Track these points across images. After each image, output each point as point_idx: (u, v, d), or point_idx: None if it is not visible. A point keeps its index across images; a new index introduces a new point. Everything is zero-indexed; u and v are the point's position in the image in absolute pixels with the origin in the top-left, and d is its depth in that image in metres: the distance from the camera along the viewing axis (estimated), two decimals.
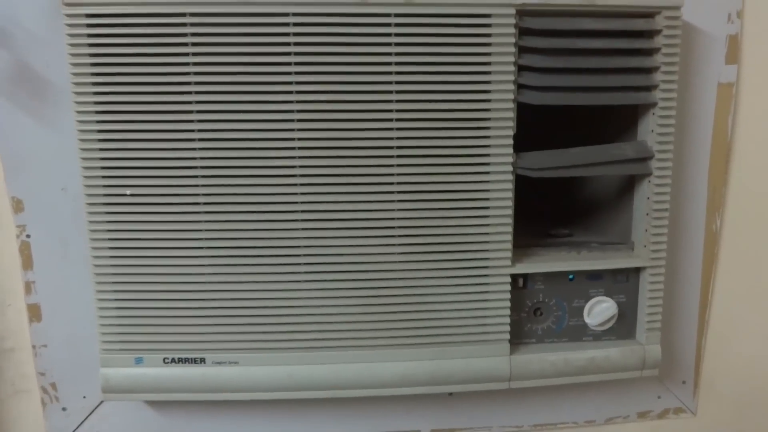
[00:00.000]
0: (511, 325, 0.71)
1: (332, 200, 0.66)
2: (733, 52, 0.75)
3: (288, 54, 0.63)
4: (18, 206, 0.71)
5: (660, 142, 0.69)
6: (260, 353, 0.68)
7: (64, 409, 0.76)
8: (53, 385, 0.75)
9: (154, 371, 0.68)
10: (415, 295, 0.69)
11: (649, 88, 0.69)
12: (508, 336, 0.71)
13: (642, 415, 0.86)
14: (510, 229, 0.68)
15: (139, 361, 0.68)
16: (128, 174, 0.64)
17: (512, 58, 0.65)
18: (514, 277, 0.71)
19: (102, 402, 0.76)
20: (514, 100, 0.66)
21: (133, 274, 0.66)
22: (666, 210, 0.71)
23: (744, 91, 0.76)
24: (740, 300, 0.82)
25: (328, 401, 0.79)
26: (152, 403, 0.77)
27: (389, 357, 0.70)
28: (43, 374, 0.75)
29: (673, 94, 0.69)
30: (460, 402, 0.82)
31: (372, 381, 0.70)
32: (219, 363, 0.68)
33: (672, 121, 0.69)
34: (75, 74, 0.62)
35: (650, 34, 0.68)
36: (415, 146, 0.65)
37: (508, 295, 0.70)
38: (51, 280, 0.73)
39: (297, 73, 0.63)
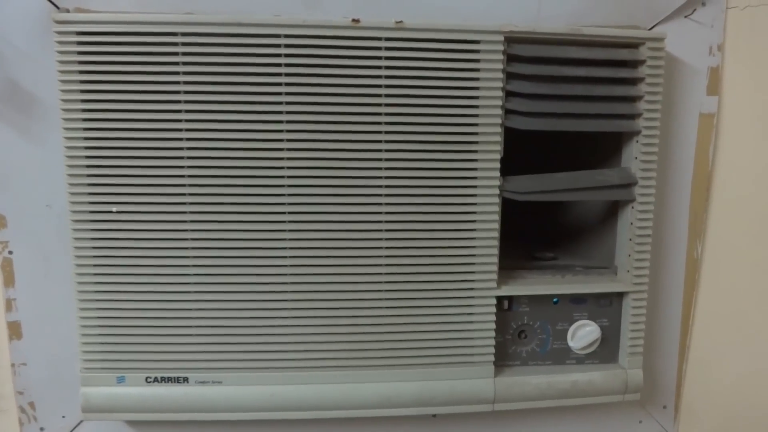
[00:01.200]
0: (495, 347, 0.71)
1: (319, 220, 0.66)
2: (714, 83, 0.77)
3: (279, 75, 0.63)
4: (1, 222, 0.70)
5: (643, 169, 0.71)
6: (244, 373, 0.68)
7: (42, 429, 0.75)
8: (31, 405, 0.74)
9: (136, 390, 0.68)
10: (400, 315, 0.69)
11: (633, 116, 0.70)
12: (492, 358, 0.71)
13: None
14: (496, 251, 0.69)
15: (120, 380, 0.67)
16: (115, 191, 0.64)
17: (500, 84, 0.66)
18: (500, 299, 0.71)
19: (81, 422, 0.75)
20: (501, 125, 0.67)
21: (117, 291, 0.66)
22: (649, 236, 0.72)
23: (725, 122, 0.78)
24: (721, 326, 0.83)
25: (312, 422, 0.77)
26: (132, 423, 0.76)
27: (373, 378, 0.70)
28: (21, 393, 0.74)
29: (657, 123, 0.70)
30: (444, 424, 0.81)
31: (356, 402, 0.70)
32: (202, 382, 0.68)
33: (655, 149, 0.70)
34: (64, 91, 0.62)
35: (634, 64, 0.70)
36: (403, 167, 0.66)
37: (494, 317, 0.70)
38: (33, 297, 0.72)
39: (287, 94, 0.64)
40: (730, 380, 0.84)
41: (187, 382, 0.68)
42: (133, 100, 0.63)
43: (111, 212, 0.64)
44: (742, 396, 0.83)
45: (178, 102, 0.63)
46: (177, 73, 0.63)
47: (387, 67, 0.64)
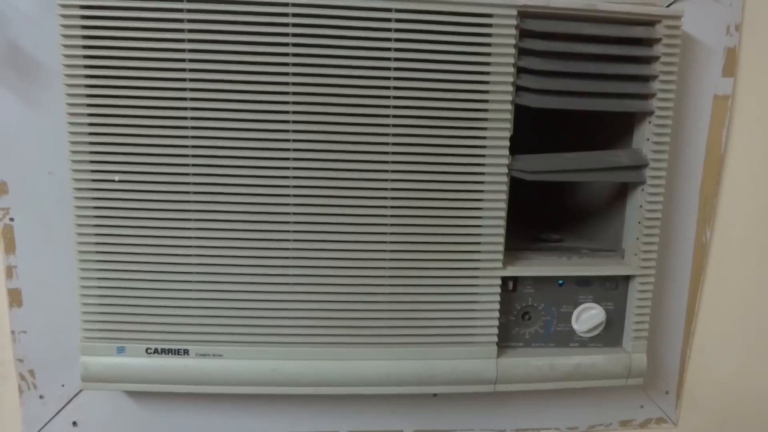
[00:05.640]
0: (499, 328, 0.71)
1: (325, 194, 0.65)
2: (731, 64, 0.75)
3: (286, 44, 0.62)
4: (2, 188, 0.69)
5: (655, 151, 0.69)
6: (245, 347, 0.67)
7: (41, 396, 0.75)
8: (31, 372, 0.74)
9: (136, 361, 0.67)
10: (404, 294, 0.68)
11: (646, 96, 0.69)
12: (495, 339, 0.71)
13: (624, 424, 0.86)
14: (502, 231, 0.68)
15: (120, 351, 0.67)
16: (117, 160, 0.63)
17: (512, 60, 0.64)
18: (505, 280, 0.70)
19: (81, 391, 0.75)
20: (512, 102, 0.65)
21: (118, 261, 0.65)
22: (658, 219, 0.71)
23: (739, 105, 0.76)
24: (726, 313, 0.82)
25: (312, 398, 0.78)
26: (132, 394, 0.76)
27: (375, 355, 0.69)
28: (21, 360, 0.73)
29: (670, 104, 0.68)
30: (445, 403, 0.81)
31: (356, 379, 0.70)
32: (203, 355, 0.67)
33: (668, 131, 0.69)
34: (66, 56, 0.61)
35: (650, 42, 0.68)
36: (411, 143, 0.65)
37: (498, 298, 0.70)
38: (33, 265, 0.71)
39: (294, 64, 0.62)
40: (734, 367, 0.83)
41: (188, 354, 0.67)
42: (138, 68, 0.61)
43: (113, 181, 0.63)
44: (745, 383, 0.83)
45: (183, 71, 0.62)
46: (182, 40, 0.61)
47: (396, 40, 0.63)
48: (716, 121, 0.76)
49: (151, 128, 0.63)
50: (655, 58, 0.68)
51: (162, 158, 0.63)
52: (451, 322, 0.70)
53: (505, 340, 0.73)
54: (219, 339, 0.67)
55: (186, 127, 0.63)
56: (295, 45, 0.62)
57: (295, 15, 0.61)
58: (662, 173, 0.70)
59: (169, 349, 0.67)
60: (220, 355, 0.67)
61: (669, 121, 0.69)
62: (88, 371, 0.67)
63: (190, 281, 0.66)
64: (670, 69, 0.68)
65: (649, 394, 0.85)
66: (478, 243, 0.68)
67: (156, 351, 0.67)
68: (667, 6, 0.72)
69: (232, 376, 0.68)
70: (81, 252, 0.65)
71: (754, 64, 0.75)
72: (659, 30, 0.67)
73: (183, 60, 0.62)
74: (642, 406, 0.86)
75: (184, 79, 0.62)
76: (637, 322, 0.73)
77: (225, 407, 0.78)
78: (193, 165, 0.63)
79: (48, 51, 0.67)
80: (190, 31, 0.61)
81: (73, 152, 0.63)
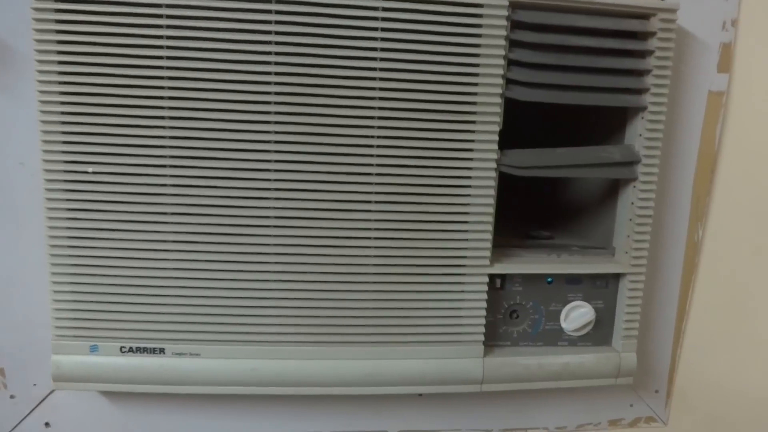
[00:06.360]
0: (486, 326, 0.69)
1: (307, 188, 0.63)
2: (726, 60, 0.74)
3: (269, 32, 0.60)
4: None
5: (647, 147, 0.68)
6: (223, 345, 0.65)
7: (12, 396, 0.72)
8: (1, 371, 0.71)
9: (110, 360, 0.65)
10: (388, 291, 0.66)
11: (639, 91, 0.67)
12: (482, 337, 0.69)
13: (613, 423, 0.85)
14: (490, 227, 0.66)
15: (94, 349, 0.64)
16: (91, 151, 0.60)
17: (502, 51, 0.63)
18: (492, 278, 0.69)
19: (53, 391, 0.72)
20: (502, 95, 0.64)
21: (92, 256, 0.62)
22: (650, 216, 0.70)
23: (734, 101, 0.75)
24: (717, 312, 0.81)
25: (293, 398, 0.76)
26: (107, 394, 0.73)
27: (358, 354, 0.67)
28: None
29: (664, 99, 0.67)
30: (430, 403, 0.80)
31: (339, 379, 0.68)
32: (179, 354, 0.65)
33: (661, 126, 0.68)
34: (39, 41, 0.58)
35: (644, 35, 0.67)
36: (397, 136, 0.63)
37: (485, 296, 0.68)
38: (3, 259, 0.69)
39: (277, 53, 0.60)
40: (725, 366, 0.82)
41: (164, 353, 0.65)
42: (114, 54, 0.59)
43: (87, 173, 0.61)
44: (735, 383, 0.82)
45: (161, 58, 0.59)
46: (160, 26, 0.59)
47: (383, 29, 0.61)
48: (710, 118, 0.75)
49: (127, 117, 0.60)
50: (650, 53, 0.66)
51: (138, 149, 0.61)
52: (437, 320, 0.68)
53: (493, 339, 0.72)
54: (196, 337, 0.65)
55: (163, 117, 0.60)
56: (278, 33, 0.60)
57: (278, 2, 0.59)
58: (654, 170, 0.69)
59: (144, 348, 0.65)
60: (197, 354, 0.65)
61: (662, 117, 0.67)
62: (60, 371, 0.64)
63: (167, 277, 0.63)
64: (664, 64, 0.66)
65: (638, 393, 0.84)
66: (466, 239, 0.66)
67: (131, 350, 0.65)
68: None
69: (210, 376, 0.66)
70: (53, 246, 0.62)
71: (750, 61, 0.74)
72: (654, 23, 0.66)
73: (161, 47, 0.59)
74: (631, 405, 0.85)
75: (161, 67, 0.60)
76: (627, 321, 0.72)
77: (203, 408, 0.75)
78: (171, 157, 0.61)
79: (20, 36, 0.64)
80: (169, 17, 0.59)
81: (45, 142, 0.60)
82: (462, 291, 0.67)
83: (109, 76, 0.59)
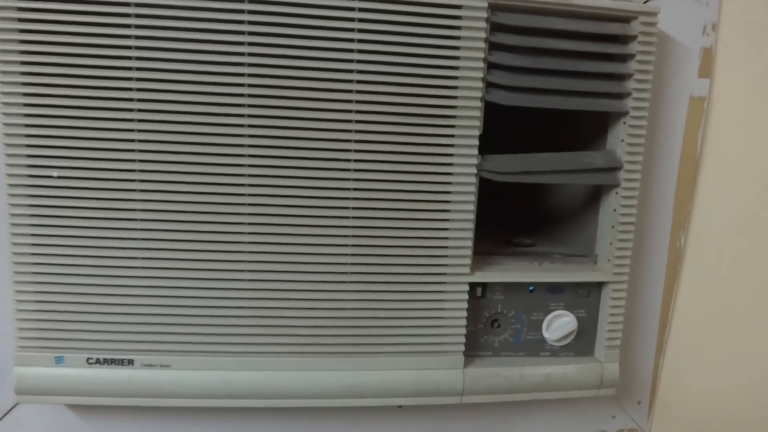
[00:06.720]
0: (466, 336, 0.67)
1: (281, 194, 0.61)
2: (707, 65, 0.73)
3: (242, 33, 0.58)
4: None
5: (630, 153, 0.67)
6: (195, 356, 0.63)
7: None
8: None
9: (76, 372, 0.62)
10: (366, 300, 0.64)
11: (621, 96, 0.66)
12: (462, 348, 0.67)
13: None
14: (471, 234, 0.65)
15: (59, 361, 0.62)
16: (56, 154, 0.58)
17: (482, 54, 0.61)
18: (473, 286, 0.67)
19: (17, 404, 0.69)
20: (481, 99, 0.62)
21: (57, 264, 0.60)
22: (632, 224, 0.68)
23: (715, 107, 0.74)
24: (701, 320, 0.80)
25: (268, 411, 0.74)
26: (74, 407, 0.71)
27: (335, 366, 0.65)
28: None
29: (645, 104, 0.66)
30: (410, 416, 0.78)
31: (316, 391, 0.66)
32: (149, 366, 0.63)
33: (643, 132, 0.67)
34: (0, 41, 0.56)
35: (625, 39, 0.66)
36: (375, 141, 0.61)
37: (465, 305, 0.66)
38: None
39: (250, 54, 0.58)
40: (708, 377, 0.81)
41: (133, 364, 0.63)
42: (79, 54, 0.57)
43: (51, 177, 0.58)
44: (720, 393, 0.81)
45: (129, 59, 0.57)
46: (129, 26, 0.57)
47: (360, 30, 0.59)
48: (692, 123, 0.74)
49: (94, 120, 0.58)
50: (631, 56, 0.66)
51: (105, 153, 0.58)
52: (416, 330, 0.66)
53: (473, 349, 0.70)
54: (167, 348, 0.63)
55: (132, 120, 0.58)
56: (251, 34, 0.58)
57: (251, 1, 0.57)
58: (637, 176, 0.68)
59: (112, 359, 0.62)
60: (168, 366, 0.63)
61: (644, 122, 0.67)
62: (23, 383, 0.62)
63: (135, 285, 0.61)
64: (645, 68, 0.66)
65: (621, 404, 0.83)
66: (445, 247, 0.65)
67: (98, 361, 0.62)
68: (644, 2, 0.69)
69: (181, 388, 0.63)
70: (16, 254, 0.59)
71: (731, 66, 0.73)
72: (635, 27, 0.65)
73: (129, 47, 0.57)
74: (614, 417, 0.83)
75: (130, 68, 0.58)
76: (610, 331, 0.71)
77: (174, 421, 0.73)
78: (139, 160, 0.59)
79: None
80: (137, 16, 0.57)
81: (8, 145, 0.58)
82: (442, 300, 0.66)
83: (74, 77, 0.57)
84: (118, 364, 0.63)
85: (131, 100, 0.58)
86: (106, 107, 0.58)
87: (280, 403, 0.65)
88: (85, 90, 0.57)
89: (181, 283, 0.61)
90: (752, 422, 0.76)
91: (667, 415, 0.84)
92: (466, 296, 0.66)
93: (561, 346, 0.72)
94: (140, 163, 0.59)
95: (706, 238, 0.77)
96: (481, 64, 0.61)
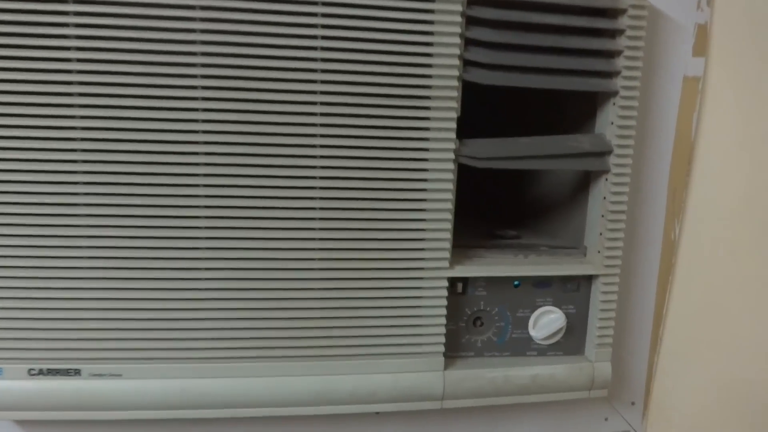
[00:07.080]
0: (446, 336, 0.64)
1: (240, 184, 0.56)
2: (702, 43, 0.69)
3: (193, 18, 0.53)
4: None
5: (620, 136, 0.63)
6: (148, 364, 0.59)
7: None
8: None
9: (17, 385, 0.58)
10: (336, 298, 0.60)
11: (610, 74, 0.62)
12: (442, 348, 0.64)
13: None
14: (450, 225, 0.61)
15: None
16: None
17: (458, 29, 0.57)
18: (453, 281, 0.63)
19: None
20: (459, 78, 0.58)
21: None
22: (623, 212, 0.65)
23: (711, 87, 0.70)
24: (697, 316, 0.76)
25: (231, 421, 0.69)
26: (20, 422, 0.65)
27: (305, 370, 0.61)
28: None
29: (636, 83, 0.62)
30: (388, 423, 0.73)
31: (284, 398, 0.61)
32: (97, 375, 0.58)
33: (634, 113, 0.63)
34: None
35: (614, 13, 0.62)
36: (342, 124, 0.57)
37: (445, 302, 0.63)
38: None
39: (203, 42, 0.53)
40: (705, 375, 0.77)
41: (79, 374, 0.58)
42: (16, 45, 0.52)
43: None
44: (717, 392, 0.77)
45: (70, 61, 0.52)
46: (67, 13, 0.52)
47: (324, 4, 0.54)
48: (686, 105, 0.70)
49: (33, 107, 0.53)
50: (620, 32, 0.62)
51: (47, 142, 0.54)
52: (392, 330, 0.62)
53: (454, 350, 0.66)
54: (116, 356, 0.58)
55: (74, 117, 0.53)
56: (203, 20, 0.53)
57: None
58: (628, 161, 0.64)
59: (56, 370, 0.58)
60: (118, 375, 0.58)
61: (635, 102, 0.63)
62: None
63: (81, 288, 0.56)
64: (636, 44, 0.62)
65: (614, 405, 0.79)
66: (422, 239, 0.60)
67: (41, 372, 0.58)
68: None
69: (133, 399, 0.59)
70: None
71: (727, 43, 0.69)
72: (624, 0, 0.60)
73: (69, 48, 0.53)
74: (606, 419, 0.80)
75: (71, 71, 0.53)
76: (601, 327, 0.68)
77: None
78: (83, 150, 0.54)
79: None
80: (76, 14, 0.52)
81: None
82: (419, 297, 0.62)
83: (11, 70, 0.52)
84: (64, 374, 0.58)
85: (71, 83, 0.53)
86: (44, 103, 0.53)
87: (243, 412, 0.61)
88: (21, 84, 0.53)
89: (131, 284, 0.57)
90: (757, 426, 0.72)
91: (663, 416, 0.80)
92: (445, 292, 0.63)
93: (549, 345, 0.69)
94: (83, 164, 0.54)
95: (703, 227, 0.73)
96: (457, 40, 0.57)
